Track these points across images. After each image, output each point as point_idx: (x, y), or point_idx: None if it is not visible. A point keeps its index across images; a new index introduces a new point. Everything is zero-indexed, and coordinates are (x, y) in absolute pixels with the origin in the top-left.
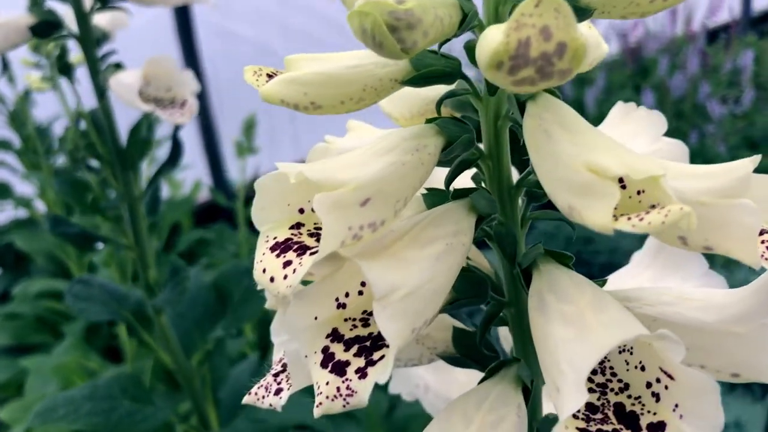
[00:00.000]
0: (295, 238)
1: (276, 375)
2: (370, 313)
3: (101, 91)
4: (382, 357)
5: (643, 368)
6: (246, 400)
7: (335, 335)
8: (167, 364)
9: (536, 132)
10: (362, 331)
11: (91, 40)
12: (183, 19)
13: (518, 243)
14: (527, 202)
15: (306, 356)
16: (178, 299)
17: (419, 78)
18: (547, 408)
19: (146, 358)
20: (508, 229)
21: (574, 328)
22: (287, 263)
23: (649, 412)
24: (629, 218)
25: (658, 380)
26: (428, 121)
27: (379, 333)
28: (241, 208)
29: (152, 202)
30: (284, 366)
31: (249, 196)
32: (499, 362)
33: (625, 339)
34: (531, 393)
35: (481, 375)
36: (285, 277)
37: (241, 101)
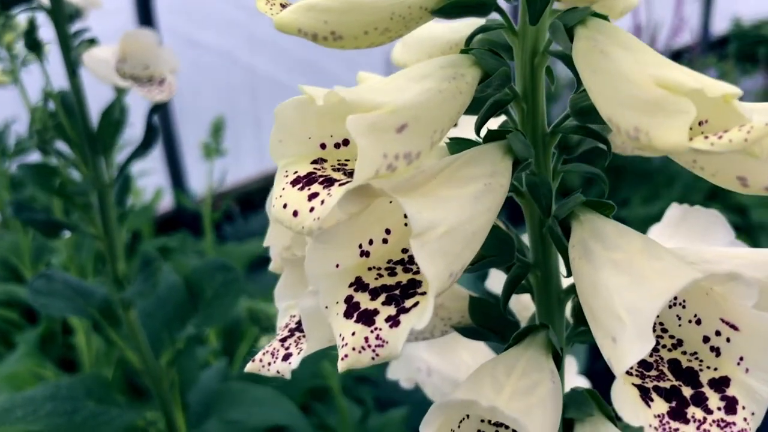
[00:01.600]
0: (319, 172)
1: (283, 340)
2: (396, 263)
3: (72, 69)
4: (416, 304)
5: (698, 322)
6: (249, 368)
7: (359, 284)
8: (135, 364)
9: (592, 53)
10: (389, 281)
11: (63, 14)
12: (148, 26)
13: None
14: (558, 154)
15: (327, 307)
16: (151, 291)
17: (451, 6)
18: (570, 382)
19: (105, 366)
20: (542, 179)
21: (628, 275)
22: (313, 195)
23: (708, 367)
24: (707, 137)
25: (717, 333)
26: (463, 52)
27: (409, 281)
28: (207, 213)
29: (122, 190)
30: (291, 331)
31: (215, 202)
32: (526, 327)
33: (695, 279)
34: (561, 360)
35: (488, 354)
36: (311, 209)
37: (203, 111)
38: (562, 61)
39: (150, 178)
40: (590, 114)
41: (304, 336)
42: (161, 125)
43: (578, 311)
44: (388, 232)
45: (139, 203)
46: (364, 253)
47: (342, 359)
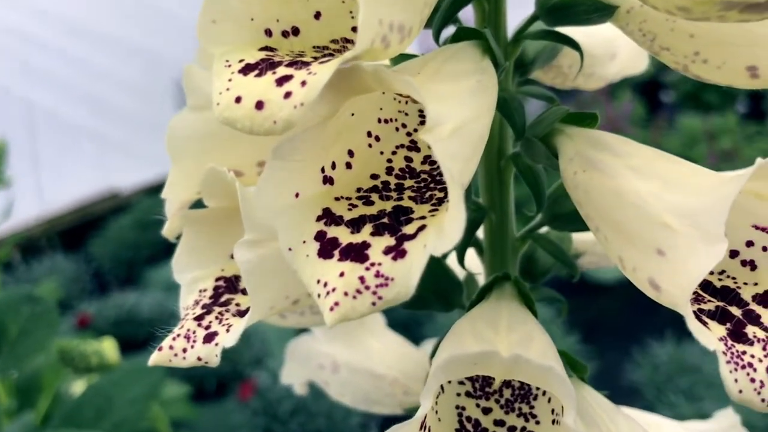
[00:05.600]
0: (278, 58)
1: (198, 319)
2: (369, 190)
3: None
4: (422, 228)
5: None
6: (156, 359)
7: (329, 217)
8: None
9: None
10: (367, 210)
11: None
12: None
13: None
14: (513, 73)
15: (290, 249)
16: None
17: None
18: None
19: None
20: (511, 95)
21: (658, 179)
22: (284, 79)
23: (746, 283)
24: None
25: (749, 244)
26: None
27: (395, 209)
28: None
29: None
30: (206, 307)
31: None
32: (491, 280)
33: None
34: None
35: (398, 338)
36: (287, 94)
37: None
38: None
39: None
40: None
41: (227, 310)
42: None
43: (528, 264)
44: (351, 154)
45: None
46: (327, 180)
47: (331, 309)
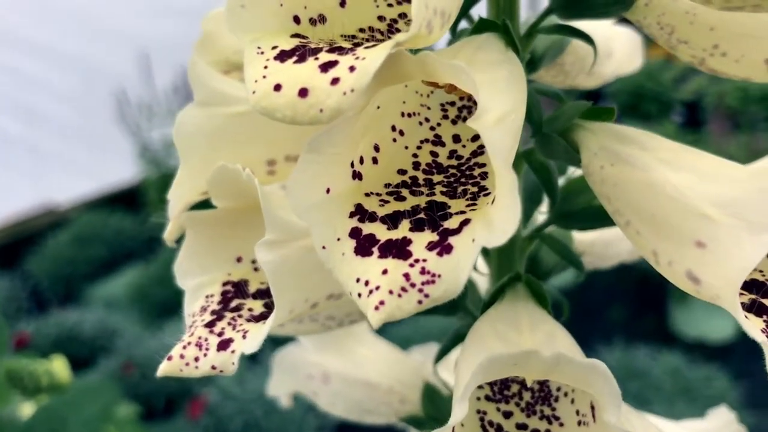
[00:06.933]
0: (313, 45)
1: (209, 326)
2: (398, 186)
3: None
4: (465, 223)
5: None
6: (165, 369)
7: (362, 213)
8: None
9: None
10: (401, 206)
11: None
12: None
13: None
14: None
15: (324, 247)
16: None
17: None
18: None
19: None
20: (528, 90)
21: (691, 171)
22: (329, 64)
23: None
24: None
25: None
26: None
27: (429, 204)
28: None
29: None
30: (216, 313)
31: None
32: (507, 278)
33: None
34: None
35: (387, 346)
36: (334, 80)
37: None
38: None
39: None
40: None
41: (239, 315)
42: None
43: (532, 265)
44: (377, 149)
45: None
46: (357, 175)
47: (376, 309)
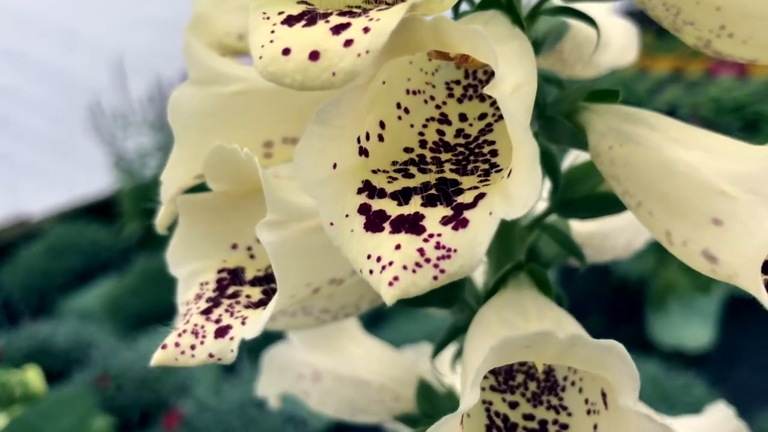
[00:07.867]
0: (321, 9)
1: (206, 313)
2: (406, 163)
3: None
4: (480, 197)
5: None
6: (159, 359)
7: (370, 189)
8: None
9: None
10: (410, 182)
11: None
12: None
13: None
14: None
15: (332, 223)
16: None
17: None
18: None
19: None
20: None
21: (703, 149)
22: (341, 27)
23: None
24: None
25: None
26: None
27: (440, 180)
28: None
29: None
30: (212, 300)
31: None
32: (510, 266)
33: None
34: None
35: (375, 343)
36: (348, 42)
37: None
38: None
39: None
40: None
41: (237, 302)
42: None
43: (531, 255)
44: (382, 126)
45: None
46: (363, 151)
47: (390, 284)
